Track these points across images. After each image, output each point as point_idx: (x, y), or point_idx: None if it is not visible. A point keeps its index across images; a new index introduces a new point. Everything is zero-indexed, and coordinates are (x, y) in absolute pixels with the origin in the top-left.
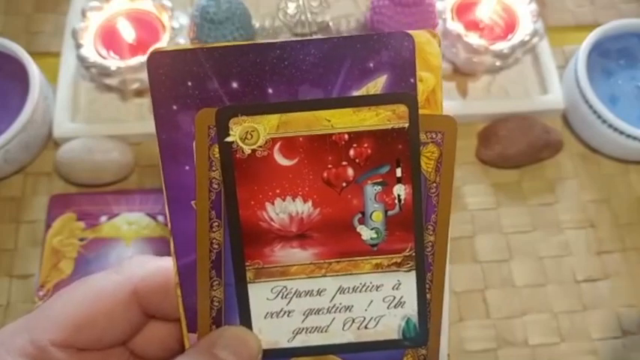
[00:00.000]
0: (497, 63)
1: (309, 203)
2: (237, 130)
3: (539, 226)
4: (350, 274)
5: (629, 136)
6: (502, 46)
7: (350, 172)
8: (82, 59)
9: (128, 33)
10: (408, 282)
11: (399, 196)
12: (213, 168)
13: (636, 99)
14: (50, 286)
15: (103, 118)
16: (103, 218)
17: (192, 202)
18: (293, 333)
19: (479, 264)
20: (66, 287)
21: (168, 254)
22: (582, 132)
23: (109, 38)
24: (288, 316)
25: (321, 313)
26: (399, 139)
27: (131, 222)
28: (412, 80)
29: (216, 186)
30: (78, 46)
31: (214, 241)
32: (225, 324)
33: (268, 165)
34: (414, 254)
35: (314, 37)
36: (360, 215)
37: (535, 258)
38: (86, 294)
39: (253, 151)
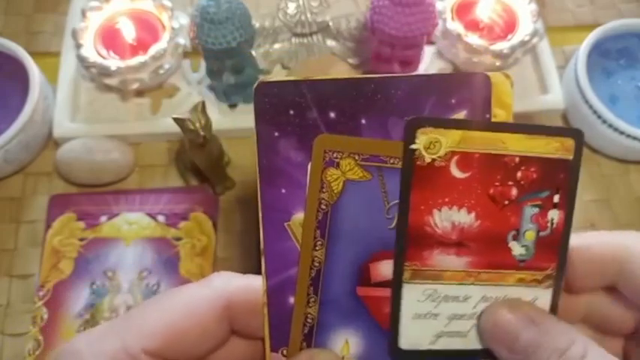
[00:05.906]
0: (497, 63)
1: (472, 215)
2: (422, 139)
3: None
4: (495, 285)
5: (629, 136)
6: (502, 46)
7: (514, 191)
8: (82, 59)
9: (128, 33)
10: (544, 298)
11: (552, 219)
12: (324, 190)
13: (636, 99)
14: (50, 286)
15: (103, 118)
16: (103, 218)
17: (286, 224)
18: (436, 336)
19: None
20: (154, 296)
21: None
22: None
23: (109, 38)
24: (434, 319)
25: (463, 318)
26: (561, 168)
27: (131, 222)
28: (487, 116)
29: (324, 207)
30: (78, 46)
31: (316, 259)
32: (316, 342)
33: (444, 175)
34: (554, 273)
35: (403, 74)
36: (514, 232)
37: None
38: (177, 305)
39: (433, 160)
